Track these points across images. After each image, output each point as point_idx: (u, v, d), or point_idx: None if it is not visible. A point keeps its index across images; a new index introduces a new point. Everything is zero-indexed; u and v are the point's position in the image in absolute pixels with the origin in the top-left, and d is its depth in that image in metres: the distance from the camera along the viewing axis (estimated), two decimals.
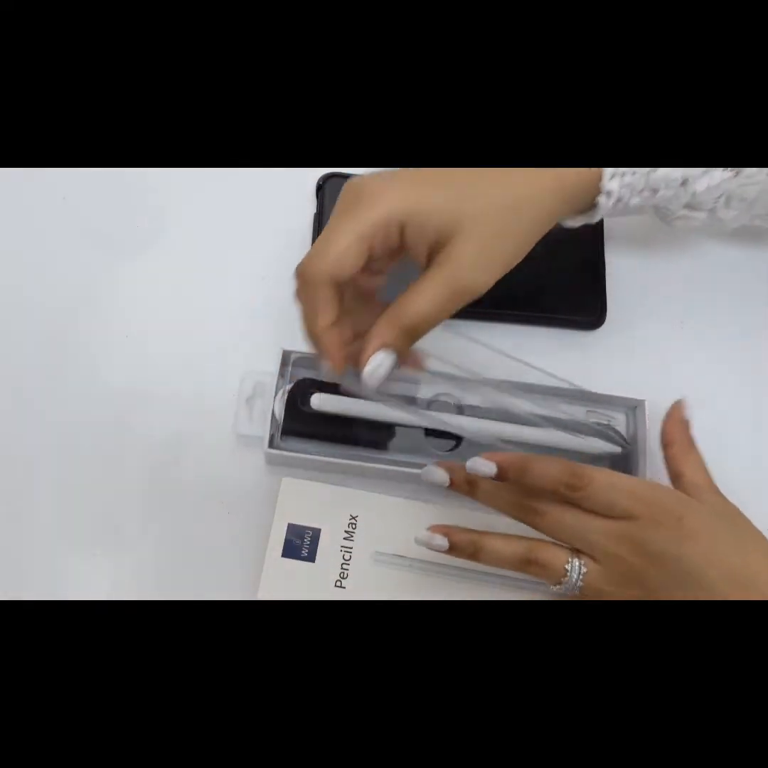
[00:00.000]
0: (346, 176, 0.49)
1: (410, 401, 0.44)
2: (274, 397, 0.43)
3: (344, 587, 0.40)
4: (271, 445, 0.42)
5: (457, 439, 0.44)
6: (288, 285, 0.48)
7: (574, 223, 0.41)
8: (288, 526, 0.41)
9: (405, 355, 0.34)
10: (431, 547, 0.36)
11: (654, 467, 0.43)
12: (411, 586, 0.40)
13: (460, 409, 0.45)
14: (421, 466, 0.43)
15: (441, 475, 0.37)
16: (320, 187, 0.49)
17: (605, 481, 0.35)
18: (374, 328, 0.33)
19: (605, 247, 0.50)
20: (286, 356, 0.44)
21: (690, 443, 0.40)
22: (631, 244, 0.51)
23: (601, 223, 0.51)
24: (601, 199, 0.38)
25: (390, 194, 0.32)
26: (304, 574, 0.40)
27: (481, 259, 0.33)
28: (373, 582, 0.40)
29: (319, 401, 0.41)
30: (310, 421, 0.42)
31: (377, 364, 0.33)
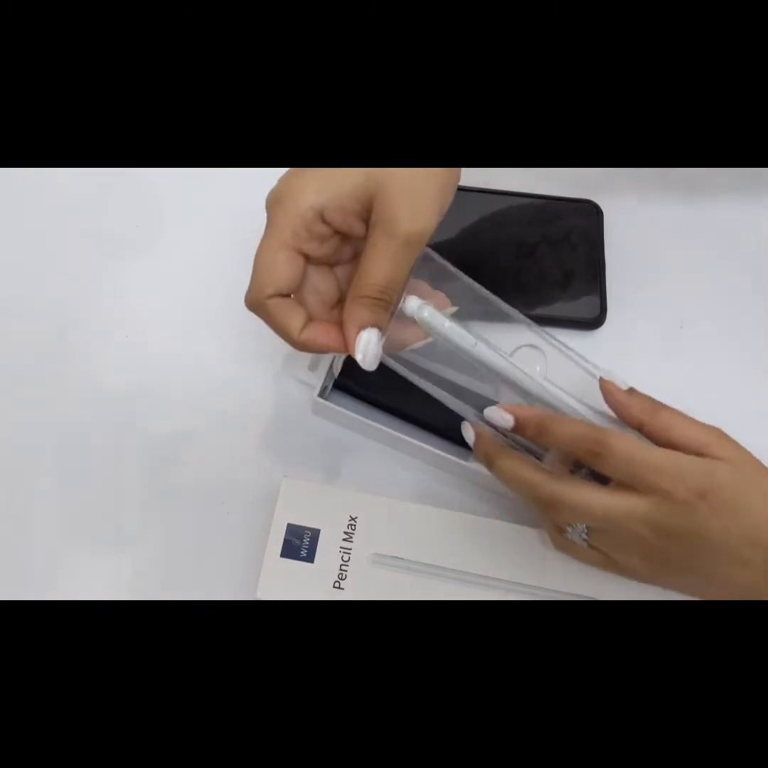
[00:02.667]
0: None
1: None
2: None
3: (343, 588, 0.40)
4: (321, 395, 0.43)
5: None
6: None
7: None
8: (287, 527, 0.41)
9: (384, 325, 0.33)
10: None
11: None
12: (409, 588, 0.40)
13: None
14: (461, 455, 0.43)
15: (468, 434, 0.36)
16: None
17: (625, 453, 0.33)
18: (344, 312, 0.33)
19: (605, 247, 0.50)
20: None
21: (653, 406, 0.36)
22: (631, 244, 0.51)
23: (601, 223, 0.51)
24: None
25: (298, 191, 0.32)
26: (302, 575, 0.40)
27: (413, 203, 0.32)
28: (371, 583, 0.40)
29: (418, 306, 0.35)
30: (366, 383, 0.41)
31: (364, 344, 0.33)
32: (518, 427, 0.35)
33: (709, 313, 0.50)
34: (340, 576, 0.40)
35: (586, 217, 0.51)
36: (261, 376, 0.46)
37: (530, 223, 0.50)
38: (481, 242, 0.49)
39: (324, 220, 0.33)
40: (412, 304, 0.34)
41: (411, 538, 0.41)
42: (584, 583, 0.40)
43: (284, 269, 0.32)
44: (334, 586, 0.40)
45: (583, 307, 0.49)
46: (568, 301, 0.49)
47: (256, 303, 0.33)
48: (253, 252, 0.49)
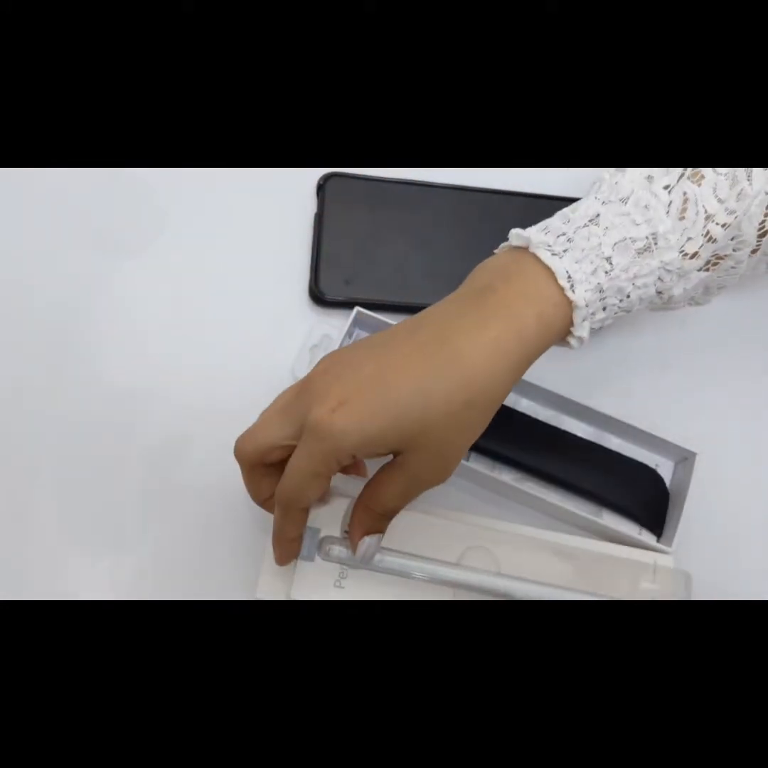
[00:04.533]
0: (346, 176, 0.49)
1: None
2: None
3: (343, 587, 0.40)
4: None
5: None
6: (288, 285, 0.49)
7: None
8: None
9: (383, 530, 0.38)
10: None
11: (688, 518, 0.43)
12: (410, 587, 0.40)
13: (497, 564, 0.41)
14: None
15: None
16: (320, 187, 0.49)
17: None
18: (353, 516, 0.37)
19: None
20: (359, 316, 0.45)
21: None
22: None
23: None
24: (573, 342, 0.37)
25: (340, 435, 0.33)
26: (303, 574, 0.40)
27: (437, 461, 0.35)
28: (373, 583, 0.40)
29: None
30: None
31: (366, 547, 0.37)
32: None
33: (709, 311, 0.50)
34: (341, 575, 0.40)
35: None
36: (262, 376, 0.46)
37: (530, 223, 0.50)
38: (481, 242, 0.49)
39: (354, 456, 0.34)
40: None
41: (411, 538, 0.41)
42: (588, 582, 0.40)
43: (313, 492, 0.35)
44: (335, 586, 0.40)
45: None
46: None
47: (290, 505, 0.36)
48: (255, 252, 0.49)
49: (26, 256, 0.48)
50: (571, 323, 0.35)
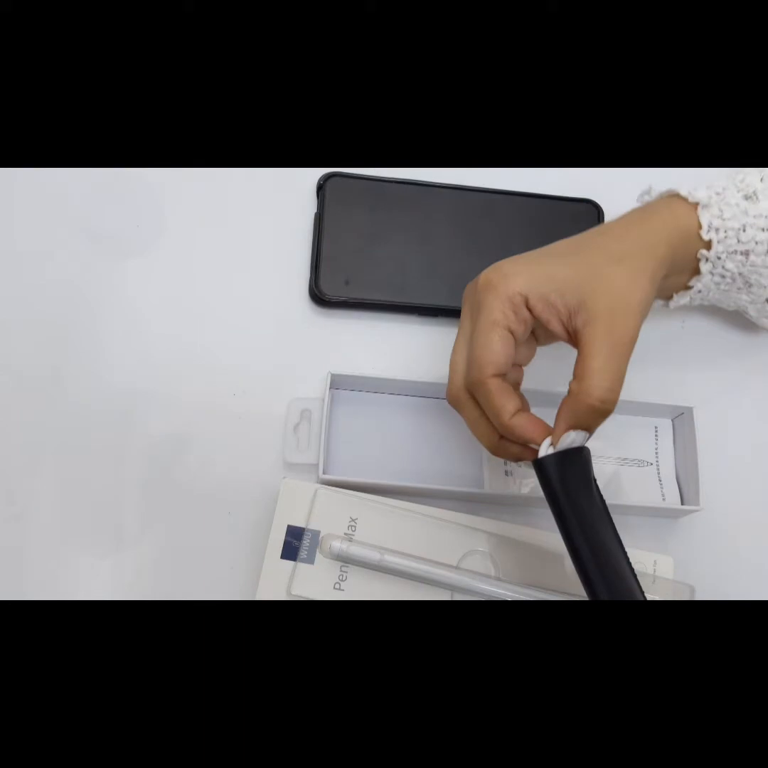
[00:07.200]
0: (346, 176, 0.49)
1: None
2: (322, 420, 0.43)
3: (343, 589, 0.40)
4: (325, 471, 0.43)
5: None
6: (288, 285, 0.49)
7: (678, 300, 0.43)
8: (287, 528, 0.40)
9: (591, 429, 0.34)
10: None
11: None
12: (410, 590, 0.40)
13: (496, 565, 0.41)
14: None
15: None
16: (320, 187, 0.49)
17: None
18: (558, 416, 0.34)
19: None
20: (334, 380, 0.44)
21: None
22: None
23: (601, 223, 0.51)
24: (702, 252, 0.40)
25: (509, 276, 0.34)
26: (303, 577, 0.40)
27: (622, 306, 0.34)
28: (372, 584, 0.40)
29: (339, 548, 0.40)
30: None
31: (570, 440, 0.34)
32: None
33: (711, 310, 0.50)
34: (341, 577, 0.40)
35: (586, 217, 0.51)
36: (262, 375, 0.46)
37: (530, 223, 0.50)
38: (480, 242, 0.49)
39: (528, 306, 0.34)
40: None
41: (411, 540, 0.41)
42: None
43: (499, 348, 0.34)
44: (334, 588, 0.40)
45: None
46: None
47: (478, 382, 0.35)
48: (255, 252, 0.49)
49: (27, 256, 0.48)
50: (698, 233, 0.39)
